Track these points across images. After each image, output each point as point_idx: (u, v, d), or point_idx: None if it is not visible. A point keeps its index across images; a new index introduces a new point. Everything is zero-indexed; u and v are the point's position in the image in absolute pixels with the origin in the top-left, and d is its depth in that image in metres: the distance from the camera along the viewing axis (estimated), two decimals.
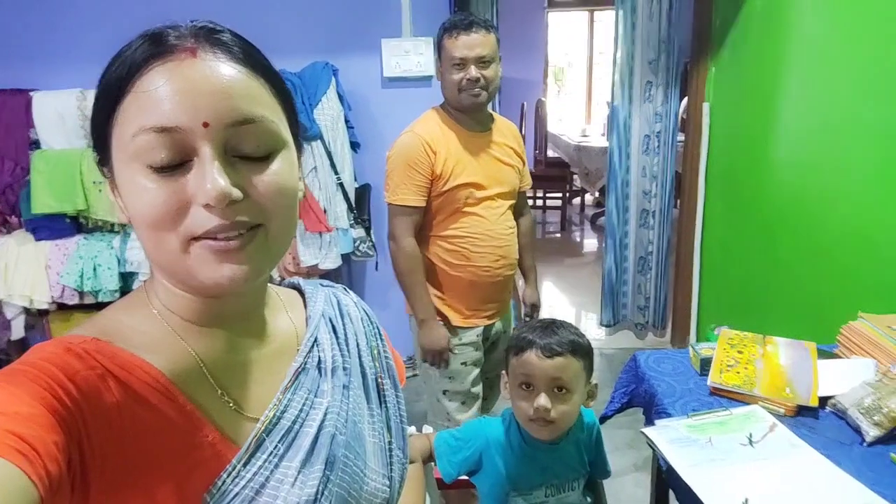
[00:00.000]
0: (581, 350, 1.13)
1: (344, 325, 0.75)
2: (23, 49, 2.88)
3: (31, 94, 2.72)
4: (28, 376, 0.48)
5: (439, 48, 1.83)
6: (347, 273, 3.28)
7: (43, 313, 2.87)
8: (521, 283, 2.21)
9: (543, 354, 1.11)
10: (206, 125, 0.51)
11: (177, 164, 0.52)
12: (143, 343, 0.57)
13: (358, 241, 3.03)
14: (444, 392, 1.96)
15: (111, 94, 0.53)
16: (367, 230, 3.05)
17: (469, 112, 1.84)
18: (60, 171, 2.66)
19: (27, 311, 2.83)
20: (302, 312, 0.74)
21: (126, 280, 2.81)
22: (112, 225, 2.81)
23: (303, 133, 0.65)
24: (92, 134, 0.56)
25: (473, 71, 1.75)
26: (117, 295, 2.79)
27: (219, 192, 0.50)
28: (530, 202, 3.05)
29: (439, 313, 1.91)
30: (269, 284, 0.70)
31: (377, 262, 3.14)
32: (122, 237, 2.79)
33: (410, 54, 2.96)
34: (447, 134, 1.83)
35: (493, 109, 3.37)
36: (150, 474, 0.53)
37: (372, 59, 3.00)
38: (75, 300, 2.78)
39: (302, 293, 0.77)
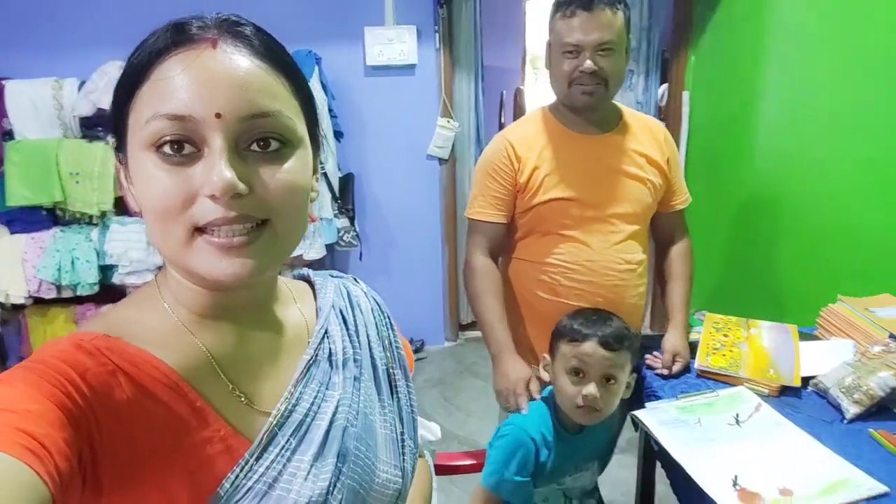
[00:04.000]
0: (632, 343, 1.17)
1: (354, 316, 0.75)
2: None
3: (4, 82, 2.64)
4: (38, 373, 0.48)
5: (550, 29, 1.43)
6: (331, 263, 3.26)
7: (19, 308, 2.82)
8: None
9: (602, 346, 1.13)
10: (218, 116, 0.51)
11: (187, 154, 0.52)
12: (153, 339, 0.57)
13: (342, 231, 3.02)
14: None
15: (131, 80, 0.53)
16: (352, 220, 3.04)
17: (581, 111, 1.46)
18: (36, 161, 2.60)
19: (2, 306, 2.78)
20: (312, 304, 0.73)
21: (105, 273, 2.76)
22: (90, 217, 2.75)
23: None
24: (111, 119, 0.56)
25: (589, 62, 1.36)
26: (97, 288, 2.74)
27: (224, 184, 0.50)
28: None
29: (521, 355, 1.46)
30: (278, 277, 0.69)
31: (361, 252, 3.13)
32: (100, 229, 2.74)
33: (394, 42, 2.94)
34: (545, 137, 1.47)
35: (478, 98, 3.38)
36: (162, 470, 0.53)
37: (355, 48, 2.98)
38: (53, 294, 2.73)
39: (312, 284, 0.77)
